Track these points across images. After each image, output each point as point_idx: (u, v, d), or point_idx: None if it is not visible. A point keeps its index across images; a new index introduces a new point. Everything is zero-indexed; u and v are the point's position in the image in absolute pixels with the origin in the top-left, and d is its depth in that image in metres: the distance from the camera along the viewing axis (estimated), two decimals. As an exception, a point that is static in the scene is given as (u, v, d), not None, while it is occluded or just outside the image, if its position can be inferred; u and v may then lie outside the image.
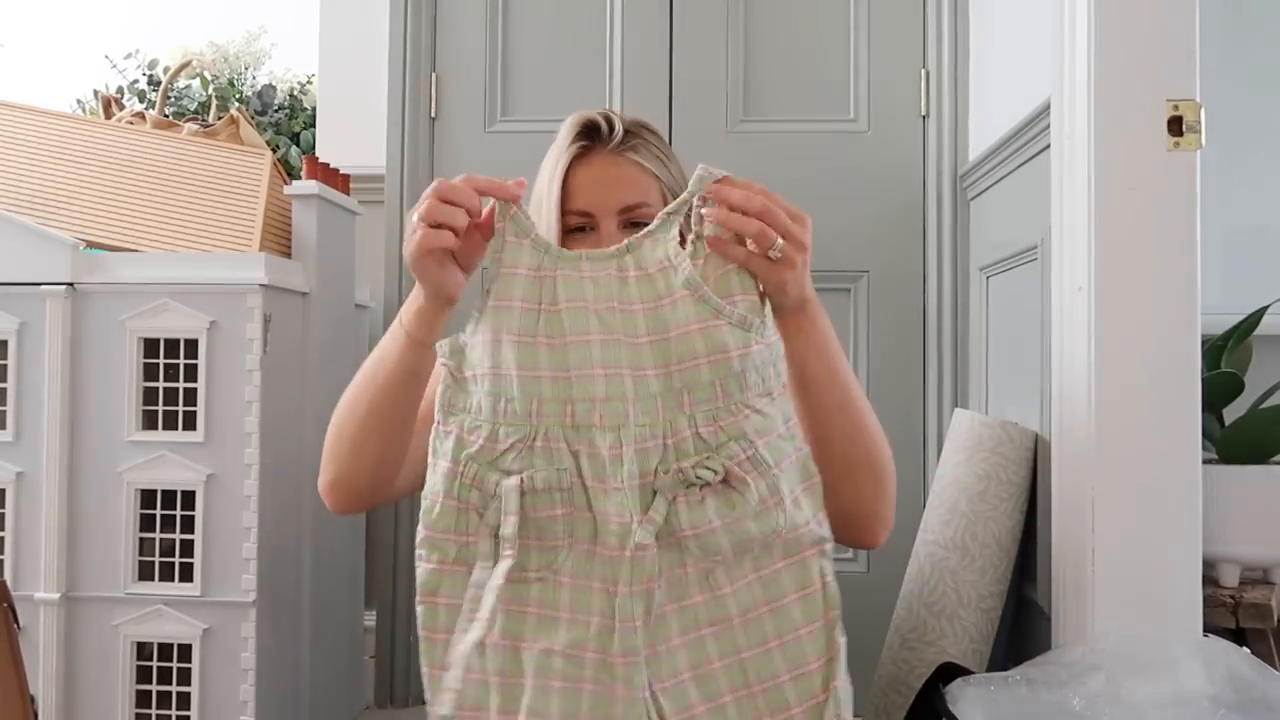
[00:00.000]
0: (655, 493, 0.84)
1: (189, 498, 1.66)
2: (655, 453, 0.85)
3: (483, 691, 0.83)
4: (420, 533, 0.87)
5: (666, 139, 1.26)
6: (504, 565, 0.83)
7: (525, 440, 0.85)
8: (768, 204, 0.89)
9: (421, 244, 0.90)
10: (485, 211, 0.92)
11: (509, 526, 0.83)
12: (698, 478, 0.84)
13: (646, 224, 1.11)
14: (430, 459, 0.89)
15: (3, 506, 1.67)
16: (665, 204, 1.13)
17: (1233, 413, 1.52)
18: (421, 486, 0.93)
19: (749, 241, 0.89)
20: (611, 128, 1.17)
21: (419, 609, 0.87)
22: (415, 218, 0.91)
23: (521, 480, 0.84)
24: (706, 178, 0.90)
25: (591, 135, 1.17)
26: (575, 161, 1.16)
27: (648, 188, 1.17)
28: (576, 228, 1.16)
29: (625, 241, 0.92)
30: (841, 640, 0.87)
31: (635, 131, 1.19)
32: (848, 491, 1.00)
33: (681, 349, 0.87)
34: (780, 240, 0.89)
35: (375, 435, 1.04)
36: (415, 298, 0.99)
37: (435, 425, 0.89)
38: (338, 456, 1.07)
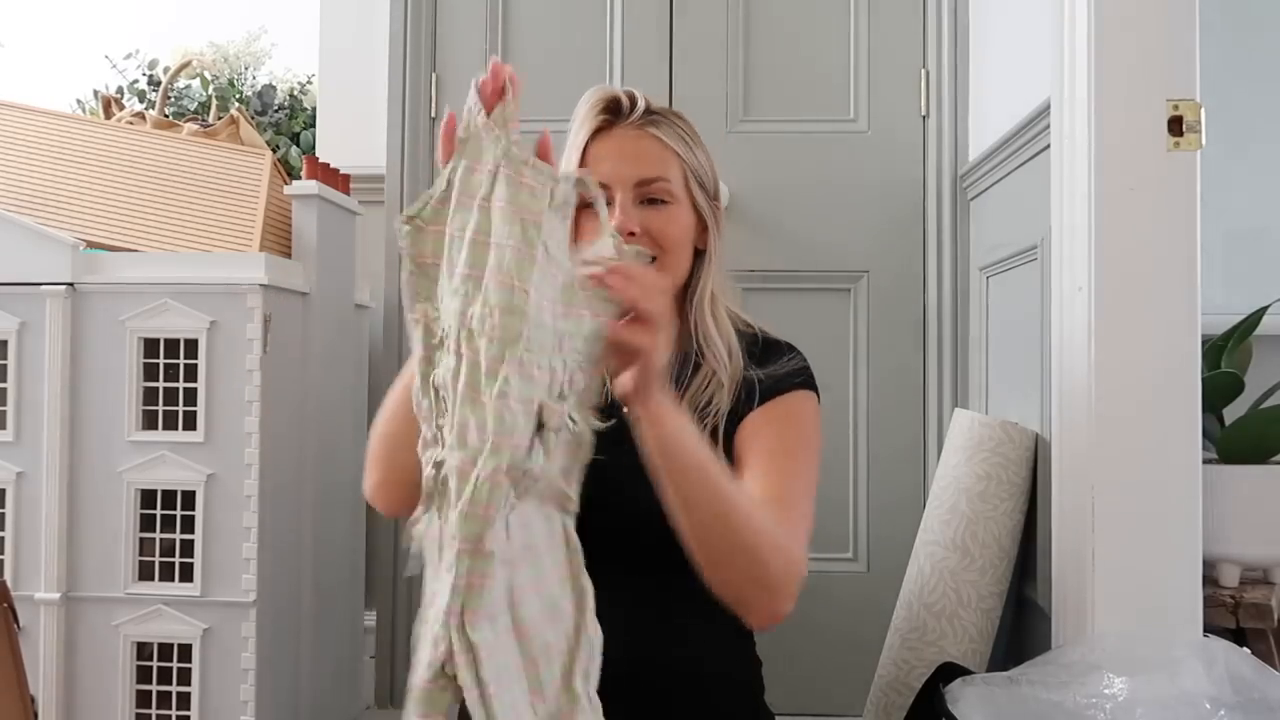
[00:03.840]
0: (541, 424, 0.83)
1: (189, 498, 1.66)
2: (540, 384, 0.83)
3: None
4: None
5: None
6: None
7: (444, 338, 0.85)
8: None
9: None
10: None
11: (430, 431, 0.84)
12: (569, 424, 0.84)
13: (664, 201, 1.12)
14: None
15: (3, 506, 1.67)
16: (687, 185, 1.15)
17: (1233, 413, 1.52)
18: None
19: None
20: (634, 104, 1.15)
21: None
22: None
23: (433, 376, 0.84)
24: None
25: (613, 110, 1.14)
26: (595, 135, 1.13)
27: (668, 163, 1.14)
28: (590, 204, 1.11)
29: (574, 174, 0.88)
30: (587, 586, 0.86)
31: (660, 113, 1.16)
32: (718, 576, 0.97)
33: (575, 297, 0.86)
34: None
35: (410, 429, 0.95)
36: None
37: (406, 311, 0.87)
38: (378, 457, 1.04)
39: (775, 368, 1.17)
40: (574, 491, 0.88)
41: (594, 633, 0.85)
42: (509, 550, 0.82)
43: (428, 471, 0.84)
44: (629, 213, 1.10)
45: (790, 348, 1.21)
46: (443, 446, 0.83)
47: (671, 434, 0.93)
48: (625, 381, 0.90)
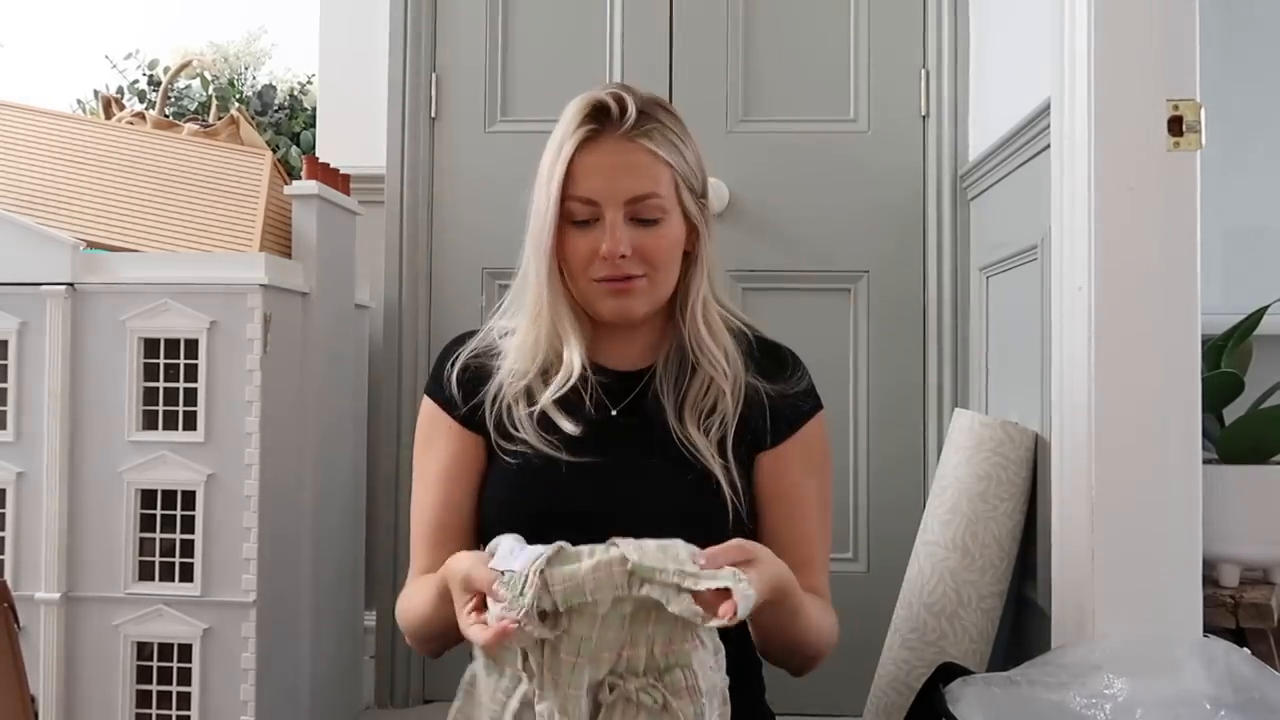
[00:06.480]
0: (600, 706, 0.90)
1: (189, 498, 1.66)
2: (609, 662, 0.90)
3: None
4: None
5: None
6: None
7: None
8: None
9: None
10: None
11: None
12: (640, 702, 0.89)
13: (654, 221, 1.10)
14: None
15: (3, 506, 1.67)
16: (678, 194, 1.12)
17: (1233, 413, 1.52)
18: None
19: None
20: (623, 109, 1.10)
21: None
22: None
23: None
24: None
25: (601, 118, 1.10)
26: (582, 145, 1.09)
27: (659, 177, 1.10)
28: (580, 221, 1.10)
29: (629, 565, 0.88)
30: None
31: (649, 113, 1.11)
32: (781, 665, 1.17)
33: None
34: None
35: (434, 636, 1.12)
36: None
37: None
38: (410, 635, 1.16)
39: (785, 385, 1.18)
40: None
41: None
42: None
43: None
44: (619, 233, 1.08)
45: (791, 356, 1.22)
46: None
47: (788, 612, 1.04)
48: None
